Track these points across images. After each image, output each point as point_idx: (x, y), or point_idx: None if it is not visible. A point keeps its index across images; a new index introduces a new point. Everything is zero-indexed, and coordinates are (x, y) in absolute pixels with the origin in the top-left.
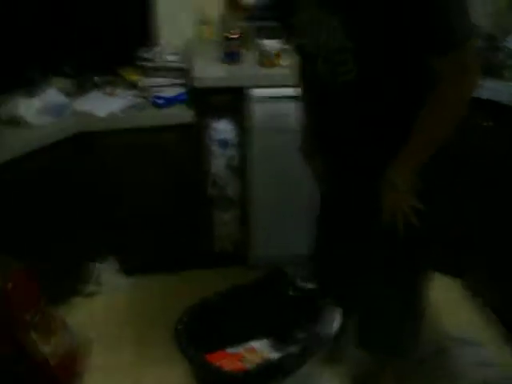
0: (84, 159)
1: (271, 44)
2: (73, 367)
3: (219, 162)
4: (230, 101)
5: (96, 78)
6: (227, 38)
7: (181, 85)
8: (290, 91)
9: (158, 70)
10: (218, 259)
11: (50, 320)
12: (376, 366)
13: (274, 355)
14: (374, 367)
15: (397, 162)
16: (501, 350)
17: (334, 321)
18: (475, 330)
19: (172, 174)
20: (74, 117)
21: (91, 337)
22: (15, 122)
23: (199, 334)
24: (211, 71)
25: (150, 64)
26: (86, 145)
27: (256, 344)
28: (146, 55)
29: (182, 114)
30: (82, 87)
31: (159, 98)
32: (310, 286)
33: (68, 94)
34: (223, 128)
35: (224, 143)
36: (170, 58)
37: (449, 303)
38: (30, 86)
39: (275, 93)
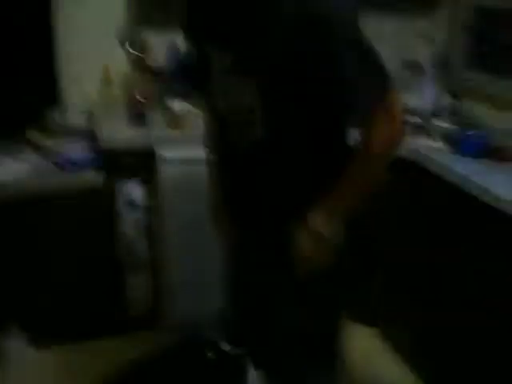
0: None
1: (178, 105)
2: None
3: (128, 224)
4: (139, 162)
5: (1, 142)
6: (133, 99)
7: (88, 147)
8: (198, 152)
9: (64, 132)
10: (132, 324)
11: None
12: None
13: None
14: None
15: (321, 211)
16: None
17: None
18: (390, 377)
19: (81, 239)
20: None
21: None
22: None
23: None
24: (118, 133)
25: (56, 126)
26: None
27: None
28: (52, 117)
29: (89, 177)
30: None
31: (66, 160)
32: (226, 347)
33: None
34: (132, 190)
35: (132, 205)
36: (77, 119)
37: (364, 352)
38: None
39: (184, 154)
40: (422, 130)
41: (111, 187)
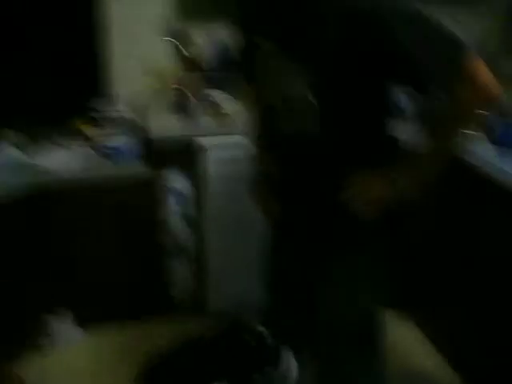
0: (37, 212)
1: (220, 95)
2: None
3: (173, 212)
4: (182, 151)
5: (48, 131)
6: (178, 90)
7: (133, 136)
8: (239, 142)
9: (111, 123)
10: (174, 308)
11: (5, 377)
12: None
13: None
14: None
15: (403, 165)
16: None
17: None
18: (426, 365)
19: (127, 226)
20: (28, 173)
21: None
22: None
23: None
24: (162, 123)
25: (103, 117)
26: (40, 199)
27: None
28: (99, 108)
29: (135, 166)
30: (34, 140)
31: (111, 149)
32: (267, 332)
33: (20, 148)
34: (176, 178)
35: (177, 193)
36: (122, 109)
37: (398, 341)
38: None
39: (226, 143)
40: None
41: (156, 176)
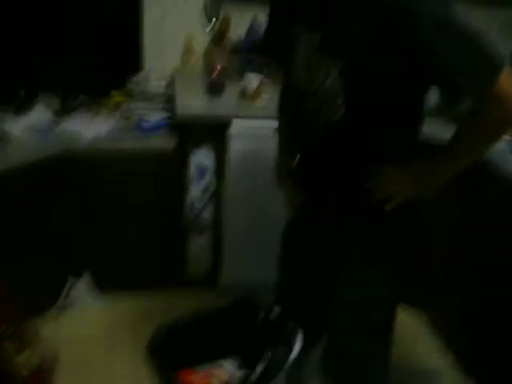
0: (65, 178)
1: (254, 78)
2: (44, 379)
3: (197, 188)
4: (211, 130)
5: (83, 99)
6: (212, 69)
7: (165, 111)
8: (269, 124)
9: (143, 95)
10: (190, 281)
11: (24, 332)
12: None
13: (241, 373)
14: None
15: (430, 165)
16: (457, 379)
17: (296, 344)
18: (432, 361)
19: (151, 198)
20: (59, 136)
21: (63, 350)
22: (0, 137)
23: (170, 352)
24: (194, 100)
25: (136, 89)
26: (68, 164)
27: (225, 363)
28: (132, 80)
29: (164, 140)
30: (68, 106)
31: (143, 122)
32: (277, 311)
33: (54, 113)
34: (203, 155)
35: (202, 170)
36: (156, 84)
37: (407, 334)
38: (17, 103)
39: (255, 125)
40: None
41: (183, 152)
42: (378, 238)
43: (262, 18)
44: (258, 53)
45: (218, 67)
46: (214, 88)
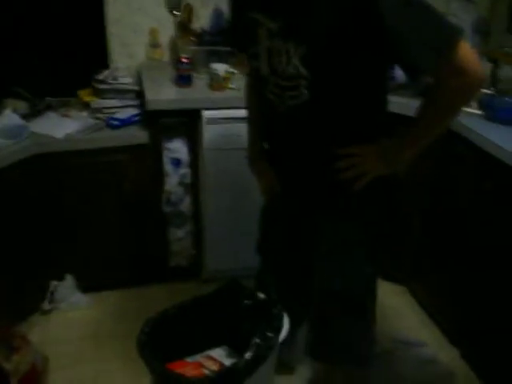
0: (40, 180)
1: (220, 68)
2: (36, 383)
3: (173, 180)
4: (183, 122)
5: (50, 100)
6: (178, 62)
7: (134, 106)
8: (239, 112)
9: (111, 92)
10: (173, 274)
11: (11, 338)
12: (328, 374)
13: (231, 362)
14: (326, 375)
15: (398, 142)
16: (441, 349)
17: (283, 327)
18: (417, 332)
19: (127, 193)
20: (31, 138)
21: (52, 353)
22: None
23: (161, 344)
24: (163, 94)
25: (103, 86)
26: (42, 166)
27: (213, 353)
28: (99, 77)
29: (136, 135)
30: (36, 109)
31: (114, 119)
32: (263, 295)
33: (23, 116)
34: (176, 147)
35: (177, 162)
36: (124, 80)
37: (391, 308)
38: None
39: (225, 114)
40: None
41: (156, 144)
42: (352, 217)
43: (224, 7)
44: (222, 43)
45: (184, 59)
46: (182, 79)
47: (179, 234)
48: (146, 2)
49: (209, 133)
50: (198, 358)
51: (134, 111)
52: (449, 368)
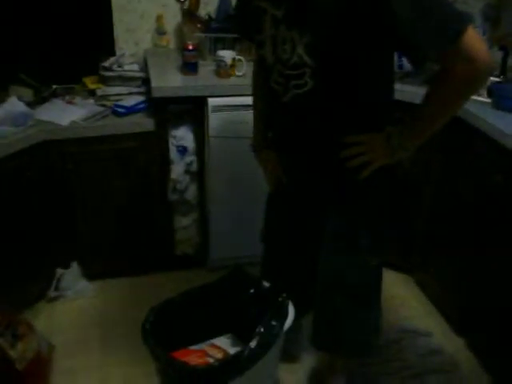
0: (46, 167)
1: (227, 55)
2: (41, 371)
3: (179, 168)
4: (189, 109)
5: (56, 87)
6: (185, 49)
7: (140, 93)
8: (245, 100)
9: (117, 79)
10: (179, 262)
11: (17, 325)
12: (332, 363)
13: (235, 350)
14: (330, 363)
15: (404, 130)
16: (447, 339)
17: (288, 315)
18: (422, 322)
19: (133, 181)
20: (36, 126)
21: (57, 341)
22: None
23: (165, 332)
24: (169, 81)
25: (109, 73)
26: (48, 153)
27: (218, 341)
28: (105, 64)
29: (142, 122)
30: (41, 96)
31: (119, 106)
32: (268, 283)
33: (28, 103)
34: (182, 135)
35: (183, 150)
36: (130, 67)
37: (396, 298)
38: None
39: (231, 102)
40: None
41: (162, 132)
42: (357, 205)
43: None
44: (229, 30)
45: (190, 46)
46: (188, 66)
47: (185, 222)
48: None
49: (215, 120)
50: (203, 346)
51: (139, 98)
52: (454, 357)
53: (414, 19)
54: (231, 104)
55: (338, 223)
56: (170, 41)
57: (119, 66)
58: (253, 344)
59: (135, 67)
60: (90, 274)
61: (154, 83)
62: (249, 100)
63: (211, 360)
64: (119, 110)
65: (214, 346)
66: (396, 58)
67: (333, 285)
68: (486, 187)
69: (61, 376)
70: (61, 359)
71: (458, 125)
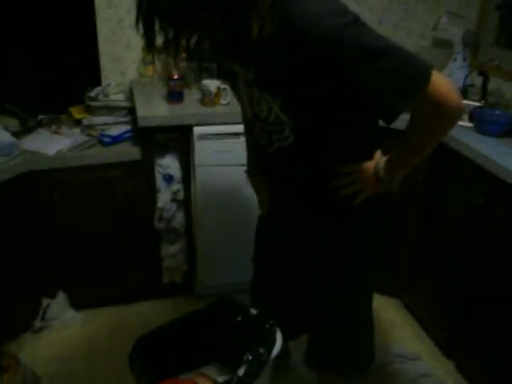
0: (32, 197)
1: (212, 84)
2: None
3: (165, 197)
4: (174, 138)
5: (42, 117)
6: (170, 78)
7: (126, 123)
8: (230, 128)
9: (103, 109)
10: (166, 290)
11: (1, 357)
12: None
13: (223, 378)
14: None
15: (389, 161)
16: (436, 362)
17: (276, 342)
18: (412, 345)
19: (119, 209)
20: (22, 156)
21: (43, 372)
22: None
23: (152, 361)
24: (155, 110)
25: (95, 103)
26: (34, 183)
27: (206, 369)
28: (91, 94)
29: (128, 152)
30: (27, 126)
31: (105, 136)
32: (255, 310)
33: (14, 133)
34: (168, 164)
35: (169, 178)
36: (115, 97)
37: (385, 322)
38: None
39: (217, 130)
40: None
41: (148, 161)
42: (345, 234)
43: None
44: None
45: (176, 76)
46: (174, 97)
47: (172, 250)
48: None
49: (200, 148)
50: (191, 375)
51: (125, 128)
52: (444, 381)
53: (374, 81)
54: (216, 132)
55: (327, 247)
56: (156, 71)
57: (105, 96)
58: (241, 372)
59: (121, 97)
60: (77, 304)
61: (139, 112)
62: (234, 128)
63: None
64: (105, 139)
65: (202, 374)
66: None
67: (325, 308)
68: (470, 210)
69: None
70: None
71: (440, 148)
